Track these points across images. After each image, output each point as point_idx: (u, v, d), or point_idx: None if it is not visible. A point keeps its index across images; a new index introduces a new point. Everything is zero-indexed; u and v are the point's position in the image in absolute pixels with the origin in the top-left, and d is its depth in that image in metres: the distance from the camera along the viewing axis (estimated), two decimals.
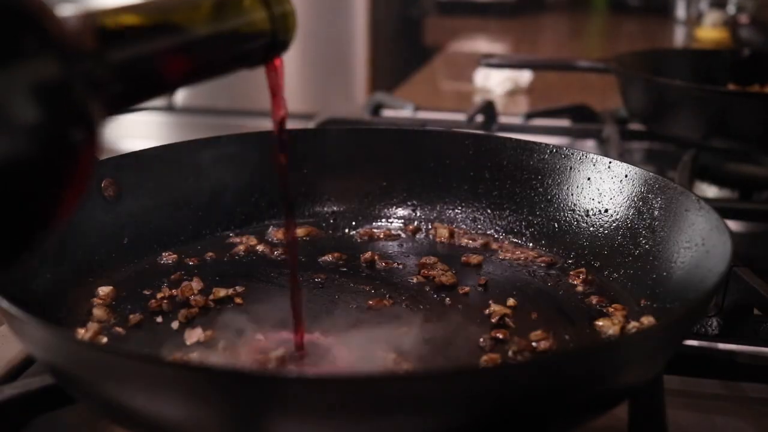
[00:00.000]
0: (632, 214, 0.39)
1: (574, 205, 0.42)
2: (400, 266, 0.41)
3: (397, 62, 1.54)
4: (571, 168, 0.42)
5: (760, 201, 0.61)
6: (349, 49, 1.40)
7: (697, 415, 0.33)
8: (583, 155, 0.42)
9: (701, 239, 0.34)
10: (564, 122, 0.77)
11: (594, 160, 0.42)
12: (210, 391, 0.23)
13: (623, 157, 0.60)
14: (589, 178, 0.42)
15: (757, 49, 0.97)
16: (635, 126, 0.72)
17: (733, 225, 0.53)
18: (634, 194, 0.39)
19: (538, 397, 0.24)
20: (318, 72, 1.39)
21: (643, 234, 0.38)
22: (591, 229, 0.41)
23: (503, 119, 0.75)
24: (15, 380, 0.32)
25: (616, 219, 0.40)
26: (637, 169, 0.40)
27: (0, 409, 0.29)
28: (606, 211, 0.41)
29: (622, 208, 0.40)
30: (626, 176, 0.40)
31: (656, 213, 0.38)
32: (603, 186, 0.41)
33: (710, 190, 0.62)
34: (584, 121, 0.76)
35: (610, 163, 0.41)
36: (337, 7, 1.38)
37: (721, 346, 0.36)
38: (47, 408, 0.30)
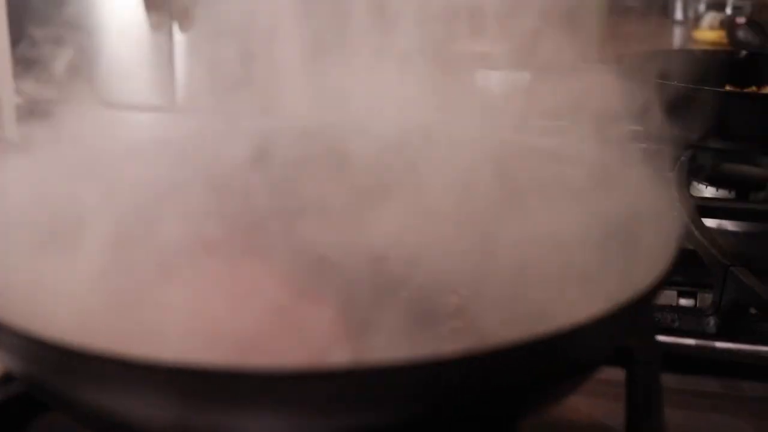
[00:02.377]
0: None
1: None
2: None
3: None
4: None
5: (756, 201, 0.61)
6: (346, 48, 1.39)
7: (695, 413, 0.34)
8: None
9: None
10: (562, 123, 0.77)
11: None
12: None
13: (621, 157, 0.60)
14: None
15: (754, 51, 0.97)
16: (633, 126, 0.72)
17: (730, 225, 0.53)
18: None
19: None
20: (317, 72, 1.39)
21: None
22: None
23: (502, 120, 0.75)
24: (15, 380, 0.32)
25: None
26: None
27: (0, 409, 0.29)
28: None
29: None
30: None
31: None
32: None
33: (707, 190, 0.62)
34: (582, 122, 0.76)
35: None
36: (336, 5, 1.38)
37: (719, 344, 0.36)
38: (47, 408, 0.30)
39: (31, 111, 0.38)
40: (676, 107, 0.63)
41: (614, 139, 0.64)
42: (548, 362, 0.25)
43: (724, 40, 1.27)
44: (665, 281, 0.27)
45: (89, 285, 0.32)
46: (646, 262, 0.30)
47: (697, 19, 1.41)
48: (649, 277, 0.27)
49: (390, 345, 0.31)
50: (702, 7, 1.41)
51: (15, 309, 0.25)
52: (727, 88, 0.75)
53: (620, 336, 0.28)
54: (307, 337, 0.31)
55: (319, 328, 0.32)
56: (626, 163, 0.38)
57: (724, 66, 0.78)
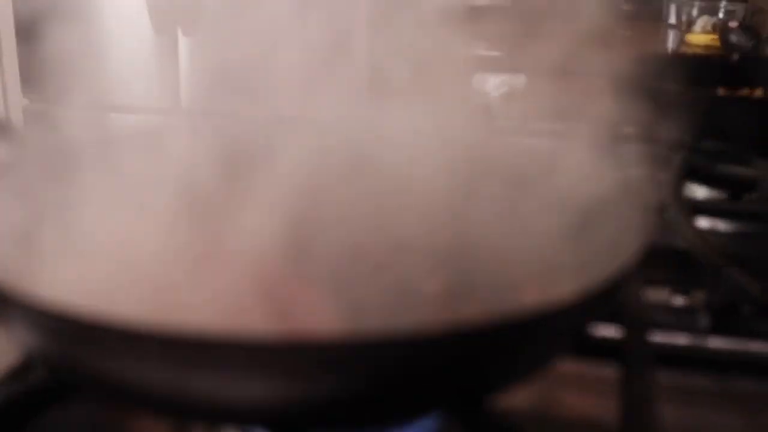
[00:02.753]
0: None
1: None
2: None
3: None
4: None
5: (749, 201, 0.62)
6: (346, 51, 1.40)
7: (687, 410, 0.34)
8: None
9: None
10: (559, 125, 0.77)
11: None
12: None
13: (617, 158, 0.60)
14: None
15: (746, 54, 0.98)
16: (628, 129, 0.73)
17: (724, 225, 0.54)
18: None
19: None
20: (317, 73, 1.39)
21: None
22: None
23: (500, 122, 0.75)
24: (15, 380, 0.32)
25: None
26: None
27: (0, 409, 0.29)
28: None
29: None
30: None
31: None
32: None
33: (701, 191, 0.63)
34: (577, 125, 0.77)
35: None
36: (336, 9, 1.38)
37: (711, 342, 0.36)
38: (47, 408, 0.30)
39: (38, 114, 0.38)
40: (670, 110, 0.63)
41: (609, 141, 0.65)
42: (503, 344, 0.25)
43: (717, 44, 1.28)
44: (628, 273, 0.28)
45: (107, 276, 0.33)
46: (622, 254, 0.31)
47: (690, 22, 1.42)
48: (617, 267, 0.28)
49: (371, 325, 0.32)
50: (695, 11, 1.42)
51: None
52: (720, 91, 0.75)
53: (582, 323, 0.29)
54: (291, 316, 0.32)
55: (303, 308, 0.33)
56: (607, 161, 0.39)
57: (716, 69, 0.79)
